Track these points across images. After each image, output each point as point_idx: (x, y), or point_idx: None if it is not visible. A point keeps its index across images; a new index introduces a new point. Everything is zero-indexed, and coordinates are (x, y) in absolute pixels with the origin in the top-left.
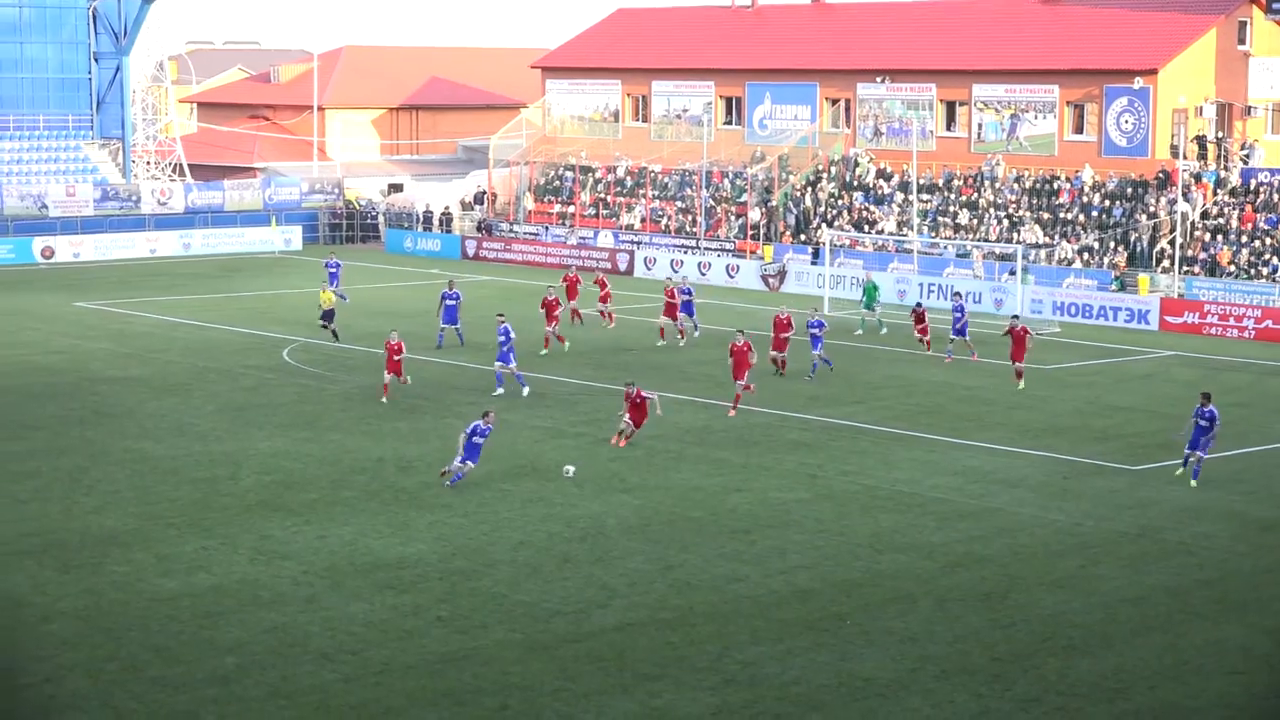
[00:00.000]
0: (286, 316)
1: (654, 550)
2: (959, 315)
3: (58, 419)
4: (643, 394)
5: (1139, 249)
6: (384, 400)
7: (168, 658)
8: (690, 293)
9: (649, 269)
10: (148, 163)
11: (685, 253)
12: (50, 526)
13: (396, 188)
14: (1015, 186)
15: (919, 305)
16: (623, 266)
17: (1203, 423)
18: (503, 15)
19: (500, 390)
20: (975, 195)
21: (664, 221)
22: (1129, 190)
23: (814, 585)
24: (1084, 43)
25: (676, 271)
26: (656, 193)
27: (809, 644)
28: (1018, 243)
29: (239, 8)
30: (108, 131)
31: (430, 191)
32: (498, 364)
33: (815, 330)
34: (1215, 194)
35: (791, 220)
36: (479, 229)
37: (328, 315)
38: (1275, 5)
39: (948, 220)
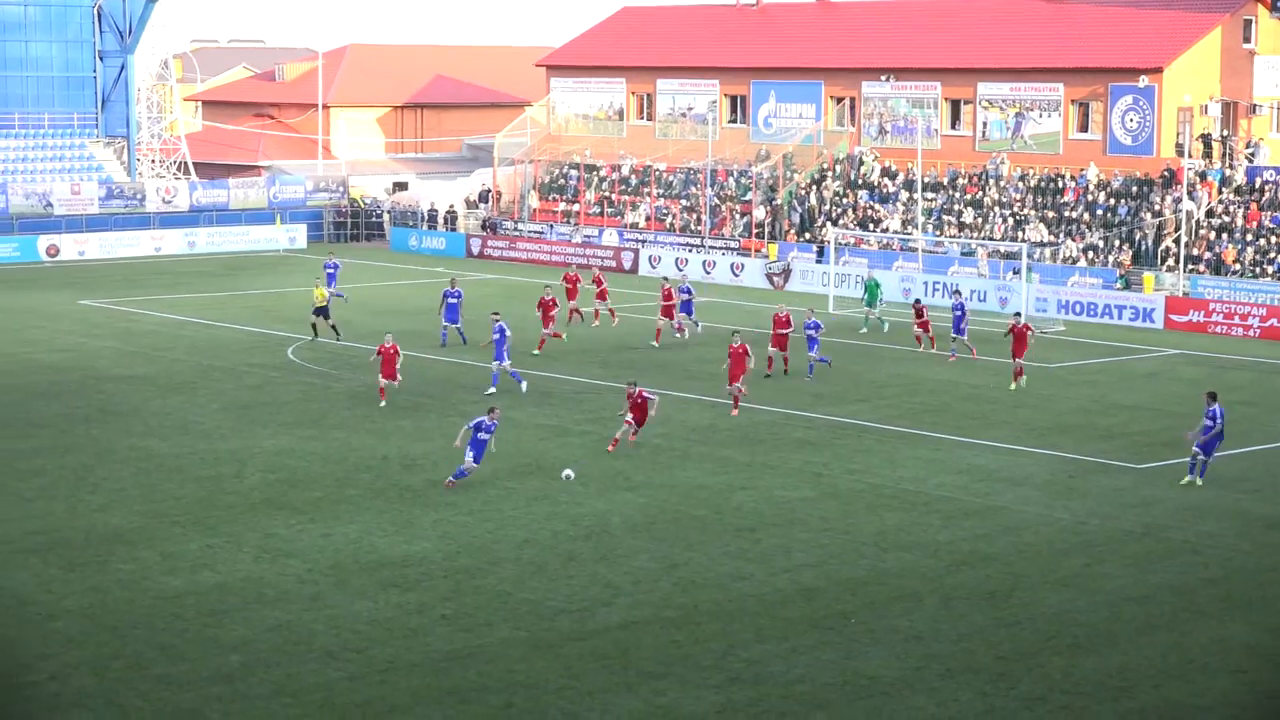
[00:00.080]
0: (291, 315)
1: (659, 548)
2: (959, 314)
3: (63, 417)
4: (645, 394)
5: (1144, 247)
6: (383, 404)
7: (173, 655)
8: (690, 292)
9: (654, 267)
10: (153, 161)
11: (690, 251)
12: (55, 524)
13: (401, 186)
14: (1020, 185)
15: (918, 301)
16: (627, 265)
17: (1208, 422)
18: (507, 13)
19: (493, 389)
20: (980, 194)
21: (669, 220)
22: (1134, 189)
23: (819, 583)
24: (1089, 41)
25: (681, 270)
26: (661, 191)
27: (814, 642)
28: (1022, 241)
29: (244, 6)
30: (113, 130)
31: (435, 190)
32: (494, 363)
33: (811, 331)
34: (1220, 192)
35: (796, 219)
36: (483, 227)
37: (321, 311)
38: None
39: (952, 219)
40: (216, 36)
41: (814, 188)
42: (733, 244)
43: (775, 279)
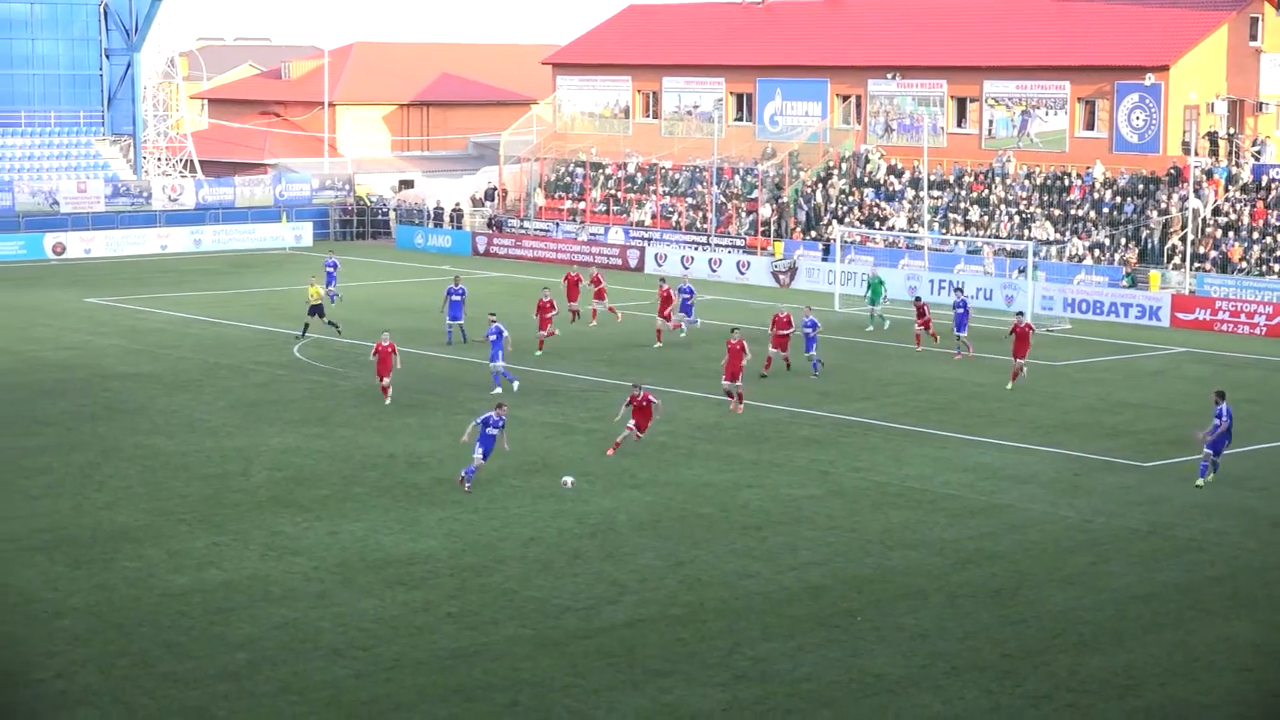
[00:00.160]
0: (297, 313)
1: (665, 546)
2: (961, 312)
3: (69, 415)
4: (650, 398)
5: (1150, 245)
6: (387, 401)
7: (179, 653)
8: (691, 292)
9: (659, 265)
10: (159, 159)
11: (696, 249)
12: (62, 522)
13: (407, 184)
14: (1026, 183)
15: (919, 299)
16: (633, 263)
17: (1216, 421)
18: (513, 11)
19: (498, 389)
20: (986, 192)
21: (674, 218)
22: (1140, 187)
23: (825, 581)
24: (1095, 39)
25: (687, 268)
26: (667, 189)
27: (820, 640)
28: (1029, 239)
29: (250, 4)
30: (119, 128)
31: (441, 188)
32: (491, 363)
33: (809, 330)
34: (1226, 190)
35: (802, 216)
36: (489, 225)
37: (315, 310)
38: None
39: (958, 217)
40: (222, 34)
41: (820, 186)
42: (739, 242)
43: (781, 277)
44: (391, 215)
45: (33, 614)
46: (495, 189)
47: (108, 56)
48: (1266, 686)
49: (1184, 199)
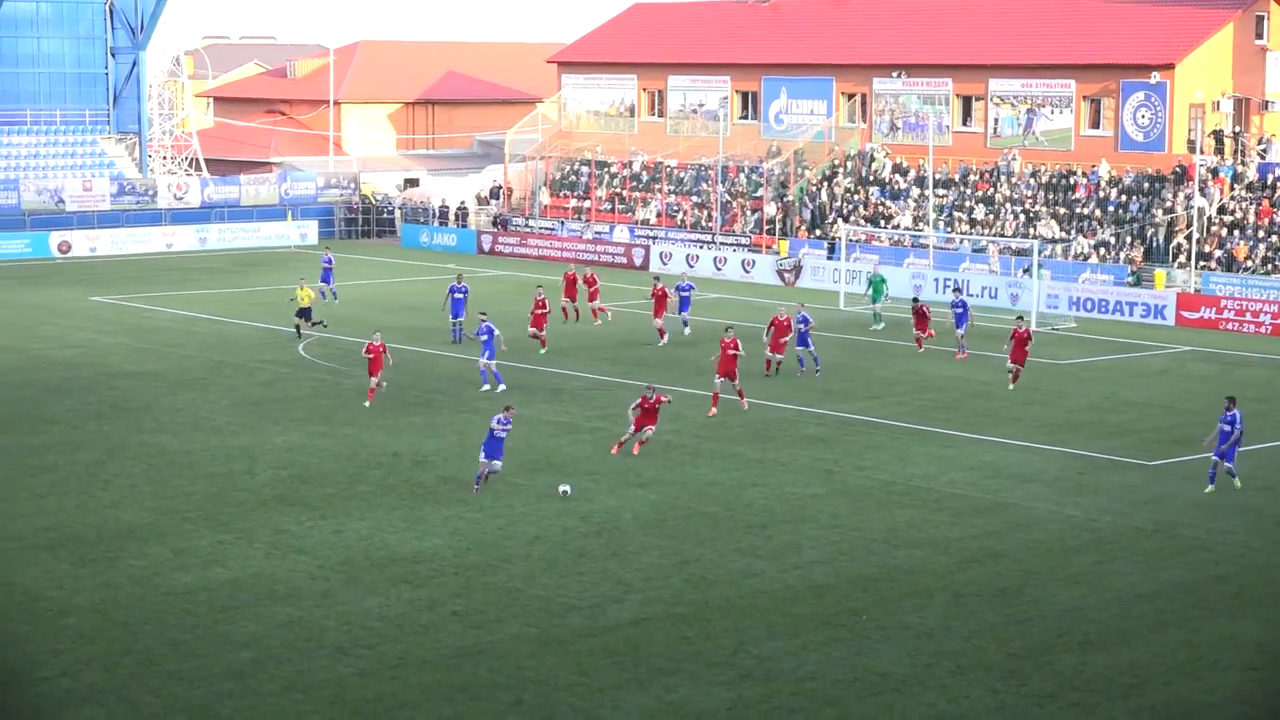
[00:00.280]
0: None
1: (669, 545)
2: (960, 312)
3: (75, 413)
4: (662, 399)
5: (1155, 244)
6: (367, 404)
7: (184, 652)
8: (691, 288)
9: (664, 264)
10: (164, 157)
11: (701, 248)
12: (67, 521)
13: (412, 182)
14: (1031, 181)
15: (916, 300)
16: (638, 261)
17: (1225, 428)
18: (519, 10)
19: (503, 386)
20: (991, 190)
21: (680, 216)
22: (1145, 185)
23: (830, 580)
24: (1100, 37)
25: (691, 265)
26: (672, 187)
27: (825, 639)
28: (1034, 238)
29: (255, 2)
30: (124, 126)
31: (446, 186)
32: (488, 362)
33: (801, 326)
34: (1232, 189)
35: (807, 215)
36: (494, 224)
37: (304, 313)
38: None
39: (964, 215)
40: (228, 33)
41: (825, 184)
42: (744, 240)
43: (786, 276)
44: (397, 214)
45: (38, 612)
46: (500, 187)
47: (113, 55)
48: (1271, 685)
49: (1189, 197)
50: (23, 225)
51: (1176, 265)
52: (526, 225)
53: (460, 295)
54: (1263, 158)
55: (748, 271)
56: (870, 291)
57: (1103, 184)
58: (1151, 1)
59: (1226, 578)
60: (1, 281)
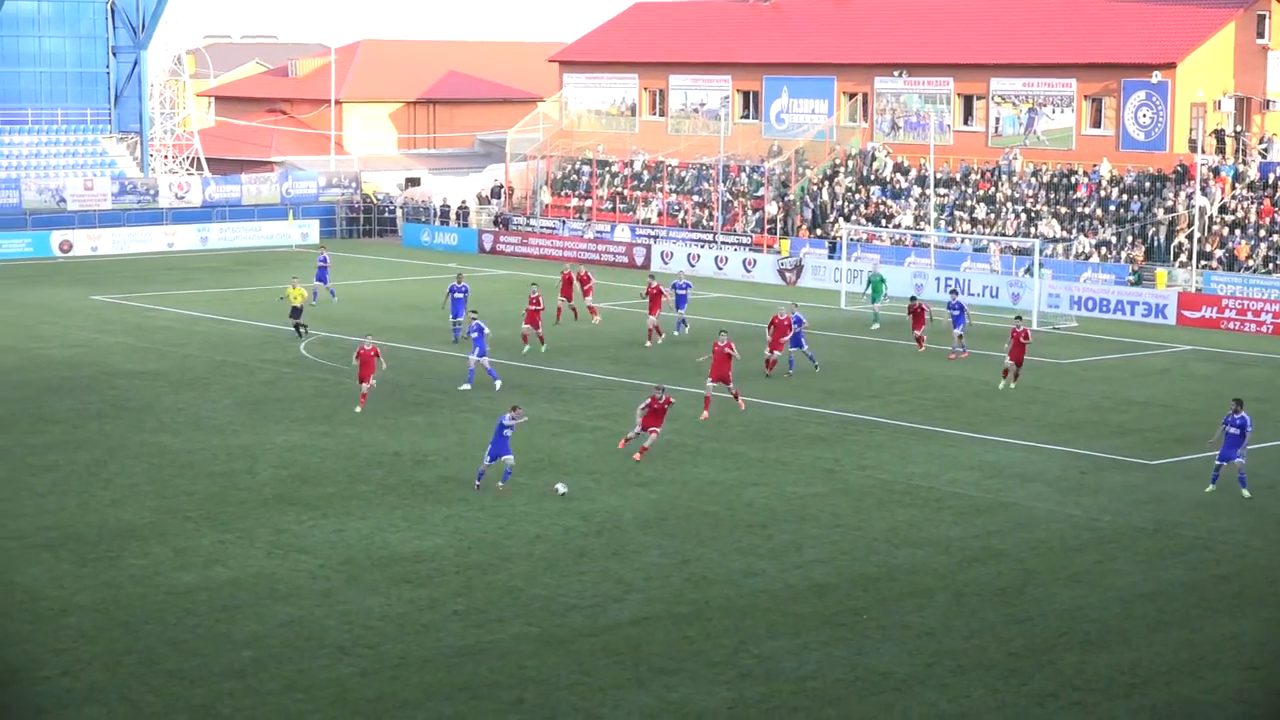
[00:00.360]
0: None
1: (670, 544)
2: (957, 312)
3: (76, 412)
4: (671, 400)
5: (1156, 243)
6: (358, 410)
7: (185, 651)
8: (688, 286)
9: (665, 263)
10: (165, 157)
11: (702, 247)
12: (68, 520)
13: (414, 182)
14: (1033, 181)
15: (914, 299)
16: (640, 261)
17: (1233, 430)
18: (520, 9)
19: (499, 383)
20: (992, 189)
21: (681, 216)
22: (1147, 184)
23: (831, 580)
24: (1102, 36)
25: (693, 265)
26: (673, 187)
27: (825, 638)
28: (1035, 237)
29: (257, 2)
30: (125, 125)
31: (447, 185)
32: (482, 360)
33: (796, 326)
34: (1233, 188)
35: (808, 214)
36: (495, 223)
37: (296, 312)
38: None
39: (965, 215)
40: (229, 32)
41: (826, 183)
42: (745, 240)
43: (787, 275)
44: (398, 213)
45: (39, 611)
46: (501, 186)
47: (115, 54)
48: (1273, 685)
49: (1190, 197)
50: (24, 224)
51: (1178, 264)
52: (528, 224)
53: (460, 295)
54: (1264, 157)
55: (749, 271)
56: (869, 291)
57: (1104, 183)
58: (1153, 1)
59: (1228, 577)
60: (2, 281)
